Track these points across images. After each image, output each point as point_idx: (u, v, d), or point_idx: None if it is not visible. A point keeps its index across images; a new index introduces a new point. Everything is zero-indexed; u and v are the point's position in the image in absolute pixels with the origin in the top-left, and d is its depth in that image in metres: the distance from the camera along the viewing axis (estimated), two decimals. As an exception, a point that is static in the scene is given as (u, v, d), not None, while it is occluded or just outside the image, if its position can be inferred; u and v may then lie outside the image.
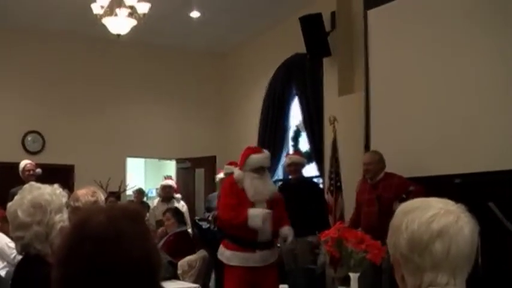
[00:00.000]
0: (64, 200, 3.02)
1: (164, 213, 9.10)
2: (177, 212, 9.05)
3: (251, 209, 6.28)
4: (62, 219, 2.91)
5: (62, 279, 1.63)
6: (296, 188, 7.38)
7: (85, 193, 4.01)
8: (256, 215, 6.23)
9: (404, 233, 1.87)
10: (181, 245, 8.36)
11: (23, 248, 2.91)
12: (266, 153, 6.78)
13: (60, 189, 3.07)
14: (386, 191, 7.06)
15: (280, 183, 10.34)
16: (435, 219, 1.84)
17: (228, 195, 6.58)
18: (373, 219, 6.85)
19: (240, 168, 6.62)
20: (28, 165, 9.13)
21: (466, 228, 1.86)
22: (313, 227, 7.60)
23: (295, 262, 7.82)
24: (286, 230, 6.52)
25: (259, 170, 6.44)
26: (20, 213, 2.88)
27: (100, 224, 1.64)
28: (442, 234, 1.82)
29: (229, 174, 8.63)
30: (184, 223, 9.02)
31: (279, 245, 7.06)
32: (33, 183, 3.08)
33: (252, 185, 6.37)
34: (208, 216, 9.17)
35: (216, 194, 9.89)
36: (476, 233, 1.88)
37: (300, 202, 7.02)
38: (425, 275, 1.83)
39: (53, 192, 2.98)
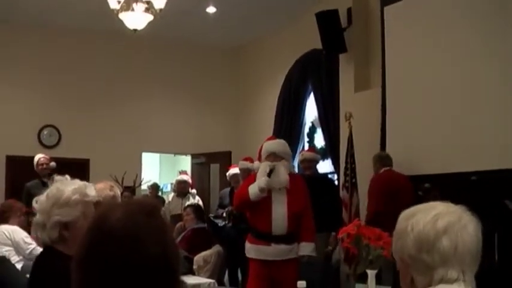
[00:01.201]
0: (89, 199, 3.02)
1: (185, 209, 9.14)
2: (197, 208, 9.11)
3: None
4: (60, 213, 2.91)
5: (82, 280, 1.63)
6: (310, 184, 7.40)
7: (103, 187, 4.02)
8: (254, 185, 6.23)
9: (410, 234, 1.90)
10: (198, 241, 8.40)
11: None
12: (279, 140, 6.80)
13: (91, 188, 3.07)
14: None
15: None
16: (439, 218, 1.89)
17: (243, 186, 6.61)
18: None
19: (259, 159, 6.64)
20: (42, 159, 9.18)
21: (470, 226, 1.89)
22: (327, 223, 7.60)
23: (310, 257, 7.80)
24: (306, 249, 6.41)
25: (271, 157, 6.40)
26: (37, 201, 2.97)
27: (118, 221, 1.63)
28: (447, 231, 1.86)
29: (244, 170, 8.66)
30: (204, 220, 9.03)
31: None
32: (68, 176, 3.11)
33: (263, 172, 6.29)
34: (223, 213, 9.17)
35: (228, 189, 9.91)
36: (479, 231, 1.92)
37: (313, 198, 7.00)
38: (436, 273, 1.86)
39: (74, 188, 2.98)
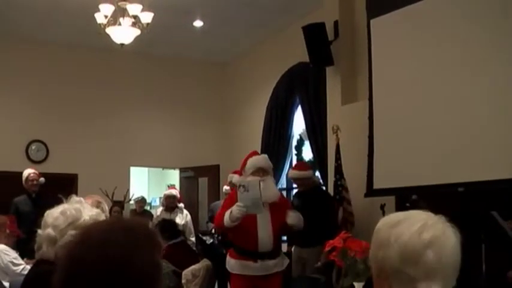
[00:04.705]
0: None
1: None
2: (163, 227, 8.52)
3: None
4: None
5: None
6: (307, 198, 7.39)
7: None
8: (228, 213, 6.21)
9: (394, 245, 1.86)
10: (178, 257, 8.24)
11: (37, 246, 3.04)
12: (264, 155, 6.81)
13: (102, 217, 3.16)
14: None
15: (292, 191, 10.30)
16: (424, 230, 1.86)
17: (226, 206, 6.51)
18: None
19: (240, 175, 6.62)
20: (32, 175, 9.13)
21: (453, 238, 1.88)
22: (321, 237, 7.59)
23: (303, 271, 7.80)
24: (292, 217, 6.44)
25: (259, 172, 6.39)
26: (49, 215, 3.03)
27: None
28: (432, 244, 1.84)
29: (232, 184, 8.66)
30: (175, 235, 8.71)
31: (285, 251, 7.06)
32: (82, 199, 3.20)
33: (255, 187, 6.17)
34: (211, 230, 9.14)
35: (219, 202, 9.91)
36: (459, 243, 1.90)
37: (309, 213, 7.00)
38: (418, 285, 1.83)
39: (91, 215, 3.07)
